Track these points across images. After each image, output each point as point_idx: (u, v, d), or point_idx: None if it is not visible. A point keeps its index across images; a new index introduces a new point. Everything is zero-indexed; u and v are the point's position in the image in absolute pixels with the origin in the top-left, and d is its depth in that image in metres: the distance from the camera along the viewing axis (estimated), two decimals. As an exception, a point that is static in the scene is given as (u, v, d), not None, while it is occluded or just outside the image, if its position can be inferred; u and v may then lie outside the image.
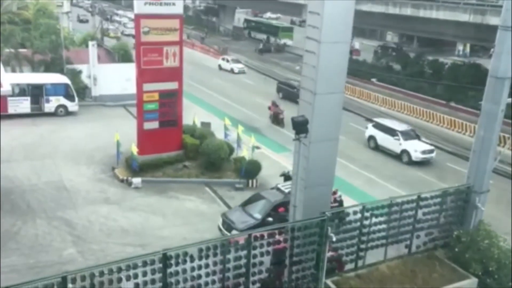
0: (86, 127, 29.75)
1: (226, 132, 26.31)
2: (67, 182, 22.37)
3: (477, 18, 37.33)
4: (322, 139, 12.76)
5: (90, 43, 35.06)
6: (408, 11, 44.84)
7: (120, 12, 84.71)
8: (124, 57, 39.12)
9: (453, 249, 13.71)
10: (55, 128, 29.32)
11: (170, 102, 23.96)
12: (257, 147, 25.40)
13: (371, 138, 30.46)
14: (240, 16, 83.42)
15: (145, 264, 9.98)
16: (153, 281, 10.05)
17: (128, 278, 9.80)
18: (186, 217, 19.96)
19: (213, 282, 10.76)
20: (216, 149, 23.52)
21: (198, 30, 74.59)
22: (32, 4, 39.57)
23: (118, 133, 23.92)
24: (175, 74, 23.76)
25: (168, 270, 10.13)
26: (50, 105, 31.44)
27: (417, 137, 29.35)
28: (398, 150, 28.54)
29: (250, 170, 23.03)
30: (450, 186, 15.28)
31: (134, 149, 22.65)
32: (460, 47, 65.98)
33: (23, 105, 30.58)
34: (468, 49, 65.53)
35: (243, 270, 11.04)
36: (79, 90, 33.24)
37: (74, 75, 34.14)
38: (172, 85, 23.78)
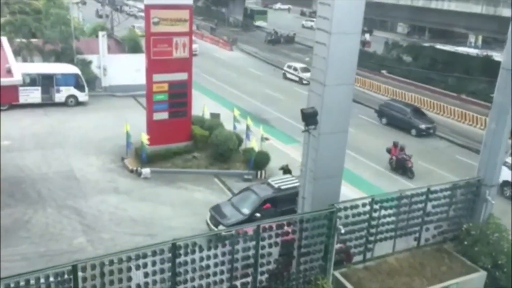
0: (96, 117, 29.90)
1: (235, 123, 26.31)
2: (77, 172, 22.54)
3: (489, 10, 36.92)
4: (331, 130, 12.71)
5: (100, 33, 35.14)
6: (419, 2, 44.43)
7: (130, 2, 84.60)
8: (134, 48, 39.17)
9: (462, 242, 13.66)
10: (66, 118, 29.51)
11: (180, 93, 23.98)
12: (266, 138, 25.39)
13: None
14: (250, 6, 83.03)
15: (154, 253, 10.05)
16: (162, 271, 10.12)
17: (137, 267, 9.88)
18: (195, 207, 20.05)
19: (222, 272, 10.81)
20: (225, 140, 23.55)
21: (207, 20, 74.39)
22: (43, -6, 39.74)
23: (127, 123, 24.02)
24: (185, 65, 23.76)
25: (177, 260, 10.20)
26: (60, 95, 31.62)
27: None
28: None
29: (259, 161, 23.06)
30: (460, 179, 15.17)
31: (144, 139, 22.73)
32: (472, 39, 65.26)
33: (34, 95, 30.79)
34: (480, 41, 64.80)
35: (251, 260, 11.08)
36: (89, 81, 33.35)
37: (84, 66, 34.28)
38: (181, 76, 23.80)
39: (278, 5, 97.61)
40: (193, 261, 10.40)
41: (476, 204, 14.17)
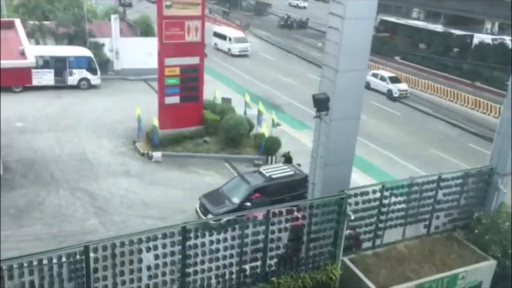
0: (108, 101, 30.04)
1: (246, 108, 26.28)
2: (90, 154, 22.75)
3: (507, -4, 36.13)
4: (343, 117, 12.65)
5: (113, 16, 35.11)
6: (435, -12, 43.68)
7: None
8: (146, 31, 39.11)
9: (472, 231, 13.59)
10: (78, 101, 29.69)
11: (191, 77, 23.98)
12: (277, 124, 25.36)
13: None
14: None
15: (164, 236, 10.14)
16: (172, 253, 10.22)
17: (148, 250, 9.99)
18: (205, 191, 20.13)
19: (231, 256, 10.89)
20: (236, 125, 23.56)
21: (220, 4, 73.94)
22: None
23: (139, 107, 24.11)
24: (197, 49, 23.72)
25: (187, 243, 10.28)
26: (73, 78, 31.76)
27: None
28: None
29: (270, 146, 23.07)
30: (472, 167, 15.06)
31: (156, 123, 22.81)
32: (488, 25, 64.17)
33: (47, 77, 30.95)
34: (496, 28, 63.73)
35: (260, 245, 11.14)
36: (101, 64, 33.43)
37: (97, 49, 34.33)
38: (193, 60, 23.77)
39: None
40: (203, 244, 10.48)
41: (487, 193, 14.06)
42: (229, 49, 45.83)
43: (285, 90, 35.47)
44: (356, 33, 12.05)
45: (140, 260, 9.96)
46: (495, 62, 39.07)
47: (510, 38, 45.08)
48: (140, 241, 9.90)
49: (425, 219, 13.49)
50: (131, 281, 9.94)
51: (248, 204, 16.78)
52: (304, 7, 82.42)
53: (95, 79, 32.35)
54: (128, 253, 9.82)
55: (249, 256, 11.14)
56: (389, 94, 36.22)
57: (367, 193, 12.18)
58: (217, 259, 10.75)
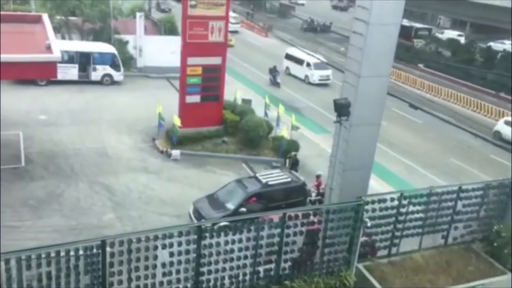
0: (130, 97, 30.36)
1: (266, 110, 26.30)
2: (109, 149, 23.01)
3: (535, 6, 35.56)
4: (363, 123, 12.58)
5: (138, 14, 35.49)
6: (462, -5, 43.18)
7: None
8: (170, 30, 39.42)
9: (491, 244, 13.37)
10: (100, 96, 30.07)
11: (213, 77, 24.09)
12: (297, 127, 25.29)
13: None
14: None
15: (180, 234, 10.21)
16: (187, 251, 10.27)
17: (163, 247, 10.06)
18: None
19: (245, 257, 10.90)
20: (255, 127, 23.59)
21: (244, 5, 74.15)
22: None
23: (160, 104, 24.31)
24: (219, 49, 23.82)
25: (203, 242, 10.33)
26: (96, 73, 32.17)
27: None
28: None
29: (288, 149, 23.01)
30: (493, 179, 14.81)
31: (176, 121, 22.96)
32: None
33: (71, 72, 31.41)
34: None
35: (275, 248, 11.13)
36: (125, 60, 33.83)
37: (121, 45, 34.76)
38: (215, 60, 23.88)
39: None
40: (218, 244, 10.52)
41: (508, 206, 13.81)
42: (306, 77, 38.50)
43: (306, 93, 35.37)
44: (380, 39, 11.97)
45: (155, 257, 10.05)
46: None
47: None
48: (156, 238, 9.98)
49: (443, 229, 13.31)
50: (146, 277, 10.02)
51: (244, 210, 16.29)
52: (303, 4, 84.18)
53: (118, 76, 32.73)
54: (144, 249, 9.91)
55: (263, 258, 11.14)
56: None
57: (384, 200, 12.06)
58: (232, 260, 10.77)
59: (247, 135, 23.69)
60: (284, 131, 23.58)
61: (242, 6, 74.02)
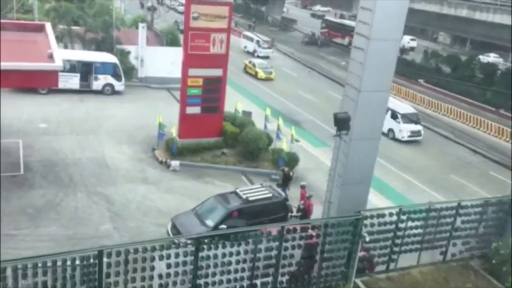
0: (130, 107, 30.42)
1: (266, 123, 26.34)
2: (109, 159, 23.00)
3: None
4: (363, 137, 12.62)
5: (140, 25, 35.68)
6: (463, 13, 43.53)
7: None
8: (172, 41, 39.62)
9: (490, 261, 13.32)
10: (101, 106, 30.12)
11: (214, 89, 24.16)
12: (297, 140, 25.32)
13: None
14: (289, 6, 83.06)
15: (178, 246, 10.18)
16: (184, 263, 10.23)
17: (161, 258, 10.03)
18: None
19: (243, 269, 10.86)
20: (255, 139, 23.61)
21: (246, 18, 74.63)
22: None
23: (160, 115, 24.35)
24: (221, 61, 23.93)
25: (200, 254, 10.29)
26: (98, 83, 32.27)
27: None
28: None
29: (288, 162, 23.00)
30: (492, 196, 14.80)
31: (175, 132, 22.97)
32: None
33: (73, 81, 31.51)
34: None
35: (273, 261, 11.09)
36: (126, 70, 33.97)
37: (123, 55, 34.93)
38: (216, 72, 23.98)
39: (318, 7, 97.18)
40: (215, 256, 10.48)
41: (507, 223, 13.79)
42: (390, 131, 30.65)
43: (306, 106, 35.46)
44: (381, 54, 12.06)
45: (152, 268, 10.00)
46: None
47: None
48: (153, 248, 9.95)
49: (441, 245, 13.29)
50: (142, 288, 9.97)
51: (224, 227, 15.73)
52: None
53: (119, 85, 32.83)
54: (141, 260, 9.87)
55: (261, 271, 11.09)
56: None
57: (383, 215, 12.05)
58: (229, 272, 10.72)
59: (247, 147, 23.70)
60: (283, 144, 23.60)
61: (244, 18, 74.51)
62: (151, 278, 10.01)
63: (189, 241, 10.50)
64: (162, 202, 19.80)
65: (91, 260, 9.46)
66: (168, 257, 10.09)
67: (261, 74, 42.51)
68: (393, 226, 12.26)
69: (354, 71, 12.52)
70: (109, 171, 21.92)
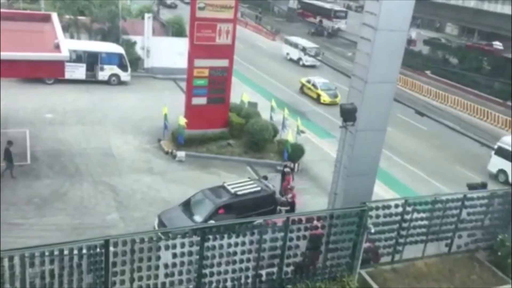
0: (136, 98, 30.44)
1: (271, 114, 26.30)
2: (115, 149, 23.07)
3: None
4: (369, 128, 12.58)
5: (146, 15, 35.62)
6: (471, 3, 43.11)
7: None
8: (178, 32, 39.51)
9: (495, 253, 13.32)
10: (107, 96, 30.16)
11: (219, 79, 24.11)
12: (302, 131, 25.29)
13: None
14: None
15: (184, 235, 10.22)
16: (190, 253, 10.28)
17: (166, 248, 10.08)
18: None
19: (248, 260, 10.90)
20: (260, 130, 23.59)
21: (252, 9, 74.24)
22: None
23: (166, 106, 24.36)
24: (227, 51, 23.85)
25: (206, 244, 10.34)
26: (104, 73, 32.29)
27: None
28: None
29: (293, 153, 23.00)
30: (499, 188, 14.75)
31: (182, 122, 22.98)
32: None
33: (79, 71, 31.54)
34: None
35: (278, 251, 11.12)
36: (132, 61, 33.94)
37: (129, 46, 34.87)
38: (222, 63, 23.91)
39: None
40: (221, 246, 10.52)
41: (513, 215, 13.75)
42: None
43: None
44: (388, 45, 11.98)
45: (158, 258, 10.06)
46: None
47: None
48: (159, 238, 10.00)
49: (447, 237, 13.27)
50: (148, 277, 10.04)
51: (212, 222, 15.05)
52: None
53: (125, 76, 32.83)
54: (147, 250, 9.93)
55: (266, 262, 11.13)
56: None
57: (389, 207, 12.03)
58: (234, 262, 10.77)
59: (252, 138, 23.69)
60: (289, 135, 23.58)
61: (250, 9, 74.12)
62: (157, 267, 10.06)
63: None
64: (167, 192, 19.87)
65: (98, 250, 9.51)
66: (174, 247, 10.14)
67: (325, 98, 34.57)
68: (399, 217, 12.25)
69: (360, 62, 12.45)
70: (115, 161, 22.00)
